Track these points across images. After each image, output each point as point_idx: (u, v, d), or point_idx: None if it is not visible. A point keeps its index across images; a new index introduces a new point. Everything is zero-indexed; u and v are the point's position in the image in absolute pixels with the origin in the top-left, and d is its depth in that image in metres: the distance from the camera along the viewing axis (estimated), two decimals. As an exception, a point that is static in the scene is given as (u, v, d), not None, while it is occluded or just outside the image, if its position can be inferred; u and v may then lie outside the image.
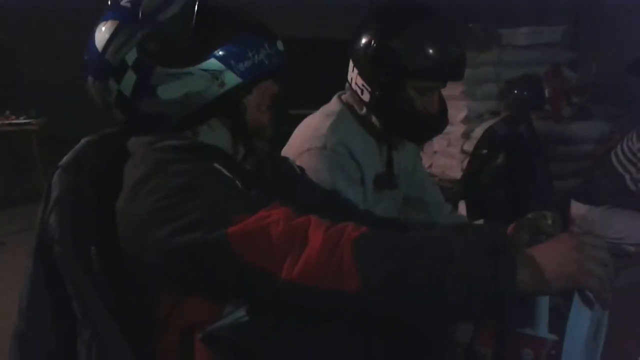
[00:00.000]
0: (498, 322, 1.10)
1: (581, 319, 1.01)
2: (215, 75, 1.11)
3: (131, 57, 1.10)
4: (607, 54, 4.73)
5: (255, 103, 1.18)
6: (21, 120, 5.11)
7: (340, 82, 1.82)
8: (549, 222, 1.14)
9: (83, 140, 1.19)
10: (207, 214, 0.98)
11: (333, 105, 1.75)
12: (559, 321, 1.06)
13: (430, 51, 1.57)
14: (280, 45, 1.18)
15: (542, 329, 1.07)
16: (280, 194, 1.21)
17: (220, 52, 1.11)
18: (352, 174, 1.63)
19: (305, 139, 1.66)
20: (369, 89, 1.63)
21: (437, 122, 1.69)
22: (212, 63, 1.11)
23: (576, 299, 1.00)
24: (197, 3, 1.13)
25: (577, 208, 3.14)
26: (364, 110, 1.69)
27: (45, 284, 1.09)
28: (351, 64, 1.68)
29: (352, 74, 1.67)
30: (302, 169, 1.40)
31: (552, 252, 0.93)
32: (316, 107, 1.81)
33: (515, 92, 3.83)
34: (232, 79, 1.12)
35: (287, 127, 1.74)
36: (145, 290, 1.09)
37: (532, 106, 3.77)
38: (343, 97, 1.75)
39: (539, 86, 3.88)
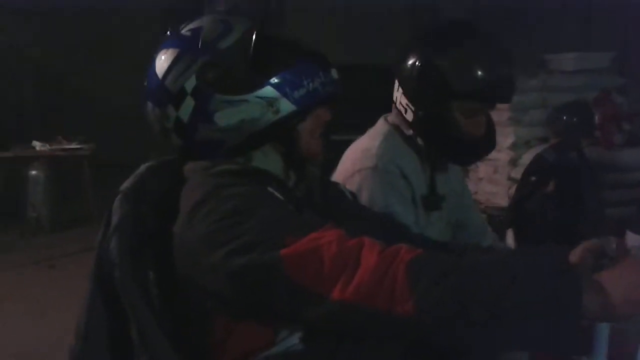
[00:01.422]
0: (556, 350, 1.07)
1: None
2: (270, 102, 1.13)
3: (190, 84, 1.13)
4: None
5: (309, 130, 1.20)
6: (73, 146, 5.25)
7: (381, 107, 1.82)
8: (613, 246, 1.10)
9: (143, 166, 1.22)
10: (260, 236, 0.99)
11: (379, 126, 1.74)
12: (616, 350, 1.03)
13: (477, 72, 1.53)
14: (334, 73, 1.19)
15: (600, 359, 1.03)
16: (331, 219, 1.20)
17: (276, 80, 1.13)
18: (404, 193, 1.62)
19: (356, 160, 1.65)
20: (413, 109, 1.61)
21: (483, 144, 1.66)
22: (267, 91, 1.13)
23: None
24: (254, 32, 1.15)
25: (632, 239, 3.04)
26: (410, 131, 1.68)
27: (103, 308, 1.11)
28: (396, 83, 1.67)
29: (397, 93, 1.66)
30: (353, 195, 1.40)
31: (619, 276, 0.90)
32: (357, 132, 1.81)
33: (565, 118, 3.77)
34: (286, 107, 1.14)
35: (329, 152, 1.74)
36: (200, 315, 1.09)
37: (582, 133, 3.70)
38: (389, 118, 1.75)
39: (588, 112, 3.81)
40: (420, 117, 1.61)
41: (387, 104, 1.76)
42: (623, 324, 1.04)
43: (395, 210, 1.55)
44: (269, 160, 1.20)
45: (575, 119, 3.79)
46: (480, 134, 1.63)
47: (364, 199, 1.43)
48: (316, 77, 1.16)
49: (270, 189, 1.10)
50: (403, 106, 1.64)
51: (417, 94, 1.60)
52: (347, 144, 1.78)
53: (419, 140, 1.68)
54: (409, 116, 1.63)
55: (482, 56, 1.55)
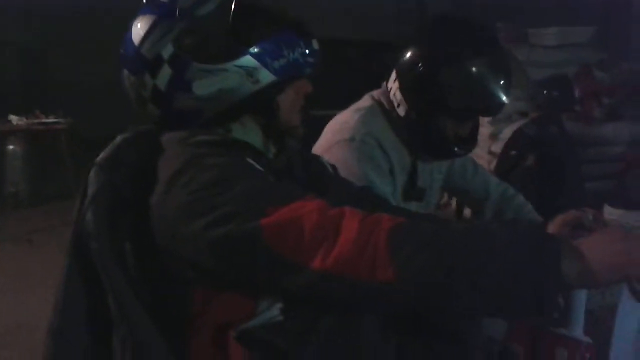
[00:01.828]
0: (534, 318, 1.06)
1: (631, 313, 0.99)
2: (249, 72, 1.11)
3: (167, 51, 1.11)
4: (638, 53, 4.66)
5: (288, 102, 1.18)
6: (50, 120, 5.17)
7: (363, 84, 1.81)
8: (590, 217, 1.11)
9: (118, 137, 1.20)
10: (240, 206, 0.98)
11: (364, 101, 1.75)
12: (593, 326, 1.04)
13: (479, 95, 1.55)
14: (315, 44, 1.17)
15: (578, 330, 1.05)
16: (311, 191, 1.20)
17: (256, 49, 1.11)
18: (382, 164, 1.63)
19: (335, 132, 1.66)
20: (406, 107, 1.63)
21: (465, 146, 1.68)
22: (246, 60, 1.11)
23: (625, 292, 0.98)
24: (232, 1, 1.12)
25: (609, 212, 3.08)
26: (394, 113, 1.68)
27: (81, 280, 1.10)
28: (394, 74, 1.66)
29: (393, 84, 1.66)
30: (334, 167, 1.39)
31: (598, 243, 0.90)
32: (337, 107, 1.80)
33: (545, 92, 3.78)
34: (266, 77, 1.12)
35: (309, 127, 1.73)
36: (179, 286, 1.09)
37: (563, 107, 3.72)
38: (375, 94, 1.75)
39: (569, 87, 3.83)
40: (412, 118, 1.62)
41: (369, 80, 1.75)
42: (600, 297, 1.05)
43: (372, 180, 1.57)
44: (247, 131, 1.18)
45: (555, 93, 3.80)
46: (465, 135, 1.65)
47: (341, 170, 1.42)
48: (297, 48, 1.14)
49: (249, 160, 1.09)
50: (397, 99, 1.65)
51: (414, 98, 1.61)
52: (328, 119, 1.78)
53: (401, 125, 1.68)
54: (401, 111, 1.64)
55: (486, 78, 1.55)
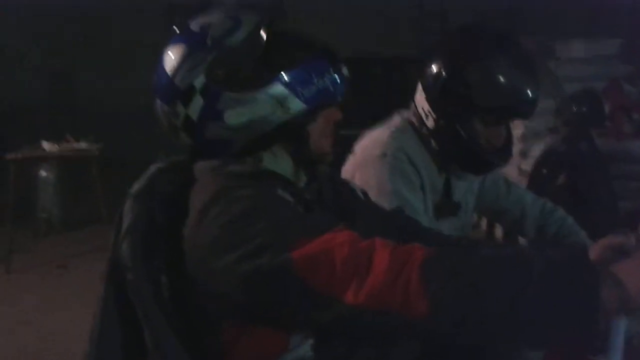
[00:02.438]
0: (574, 345, 1.05)
1: None
2: (279, 100, 1.11)
3: (199, 82, 1.11)
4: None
5: (319, 130, 1.17)
6: (81, 146, 5.26)
7: (390, 101, 1.80)
8: (632, 242, 1.08)
9: (153, 167, 1.20)
10: (271, 238, 0.97)
11: (394, 120, 1.74)
12: (631, 354, 1.02)
13: (504, 89, 1.52)
14: (345, 70, 1.17)
15: (616, 357, 1.01)
16: (342, 218, 1.17)
17: (286, 77, 1.11)
18: (413, 179, 1.61)
19: (365, 149, 1.66)
20: (434, 116, 1.61)
21: (500, 156, 1.65)
22: (277, 88, 1.11)
23: None
24: (264, 28, 1.13)
25: (645, 232, 3.01)
26: (424, 130, 1.67)
27: (116, 311, 1.10)
28: (420, 86, 1.66)
29: (419, 97, 1.66)
30: (364, 193, 1.38)
31: (636, 269, 0.88)
32: (364, 126, 1.80)
33: (574, 108, 3.74)
34: (296, 105, 1.12)
35: (337, 147, 1.73)
36: (211, 319, 1.08)
37: (592, 123, 3.67)
38: (405, 113, 1.74)
39: (598, 101, 3.78)
40: (441, 126, 1.60)
41: (394, 96, 1.75)
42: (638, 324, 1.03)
43: (404, 196, 1.55)
44: (278, 160, 1.18)
45: (585, 109, 3.76)
46: (499, 144, 1.62)
47: (373, 187, 1.42)
48: (327, 75, 1.14)
49: (279, 191, 1.08)
50: (424, 111, 1.64)
51: (441, 102, 1.59)
52: (353, 138, 1.77)
53: (434, 144, 1.67)
54: (430, 123, 1.63)
55: (510, 73, 1.53)
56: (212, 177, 1.12)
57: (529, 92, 1.53)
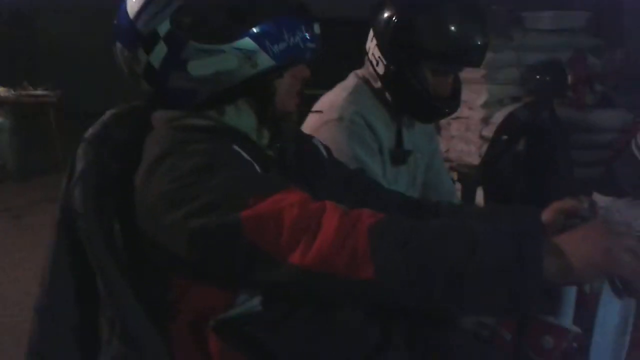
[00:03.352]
0: (517, 314, 1.07)
1: (611, 310, 1.00)
2: (248, 55, 1.07)
3: (163, 28, 1.06)
4: (632, 41, 4.65)
5: (286, 87, 1.15)
6: (39, 92, 5.11)
7: (356, 63, 1.81)
8: (585, 206, 1.11)
9: (108, 113, 1.17)
10: (221, 196, 0.96)
11: (349, 80, 1.76)
12: (585, 317, 1.04)
13: (452, 36, 1.55)
14: (317, 28, 1.14)
15: (566, 320, 1.05)
16: (305, 176, 1.19)
17: (256, 32, 1.07)
18: (371, 143, 1.64)
19: (323, 113, 1.66)
20: (385, 62, 1.63)
21: (447, 104, 1.68)
22: (246, 42, 1.07)
23: (605, 288, 0.98)
24: None
25: (599, 199, 3.09)
26: (379, 83, 1.70)
27: (68, 259, 1.09)
28: (371, 33, 1.68)
29: (371, 44, 1.68)
30: (327, 149, 1.38)
31: (580, 240, 0.90)
32: (330, 87, 1.80)
33: (538, 77, 3.77)
34: (265, 61, 1.09)
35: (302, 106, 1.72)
36: (158, 272, 1.07)
37: (555, 92, 3.71)
38: (359, 72, 1.76)
39: (562, 72, 3.82)
40: (391, 72, 1.63)
41: (361, 59, 1.76)
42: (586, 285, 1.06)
43: (362, 160, 1.58)
44: (242, 115, 1.15)
45: (548, 78, 3.79)
46: (447, 94, 1.66)
47: (332, 150, 1.41)
48: (298, 32, 1.10)
49: (236, 148, 1.06)
50: (375, 58, 1.66)
51: (391, 48, 1.62)
52: (318, 98, 1.77)
53: (387, 95, 1.69)
54: (380, 69, 1.65)
55: (458, 20, 1.56)
56: (168, 129, 1.09)
57: (477, 40, 1.57)
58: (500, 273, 0.86)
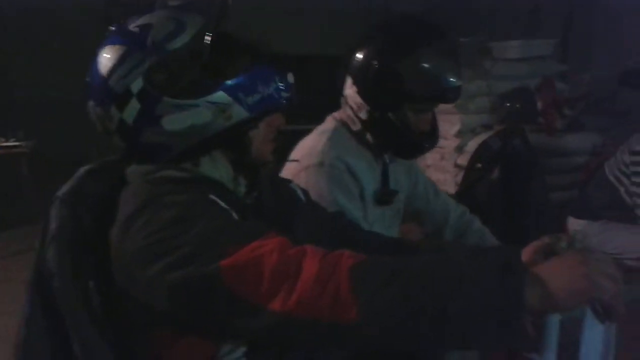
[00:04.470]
0: (504, 347, 1.07)
1: (594, 335, 1.00)
2: (222, 108, 1.07)
3: (136, 86, 1.06)
4: (599, 65, 4.77)
5: (261, 136, 1.15)
6: (10, 143, 5.05)
7: (331, 98, 1.82)
8: (563, 245, 1.11)
9: (82, 169, 1.16)
10: (199, 247, 0.95)
11: (327, 123, 1.76)
12: (562, 338, 1.04)
13: (434, 78, 1.60)
14: (290, 78, 1.14)
15: (551, 355, 1.04)
16: (282, 220, 1.18)
17: (229, 85, 1.07)
18: (352, 189, 1.64)
19: (303, 158, 1.66)
20: (368, 108, 1.65)
21: (430, 139, 1.72)
22: (219, 96, 1.07)
23: (588, 315, 0.98)
24: (208, 33, 1.09)
25: (574, 223, 3.12)
26: (359, 126, 1.71)
27: (43, 319, 1.06)
28: (349, 80, 1.69)
29: (350, 91, 1.69)
30: (305, 192, 1.37)
31: (559, 269, 0.90)
32: (307, 123, 1.82)
33: (508, 105, 3.85)
34: (239, 113, 1.08)
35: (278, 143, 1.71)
36: (139, 328, 1.05)
37: (525, 119, 3.78)
38: (336, 114, 1.77)
39: (531, 99, 3.90)
40: (375, 117, 1.65)
41: (336, 94, 1.77)
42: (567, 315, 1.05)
43: (343, 206, 1.57)
44: (217, 166, 1.14)
45: (518, 106, 3.87)
46: (427, 129, 1.70)
47: (312, 196, 1.41)
48: (271, 83, 1.11)
49: (212, 197, 1.05)
50: (356, 104, 1.67)
51: (373, 95, 1.64)
52: (297, 134, 1.77)
53: (368, 136, 1.71)
54: (363, 115, 1.67)
55: (438, 63, 1.62)
56: (143, 183, 1.08)
57: (455, 80, 1.63)
58: (485, 307, 0.86)
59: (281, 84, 1.12)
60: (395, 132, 1.64)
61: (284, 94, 1.13)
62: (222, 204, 1.05)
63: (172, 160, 1.10)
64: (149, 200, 1.02)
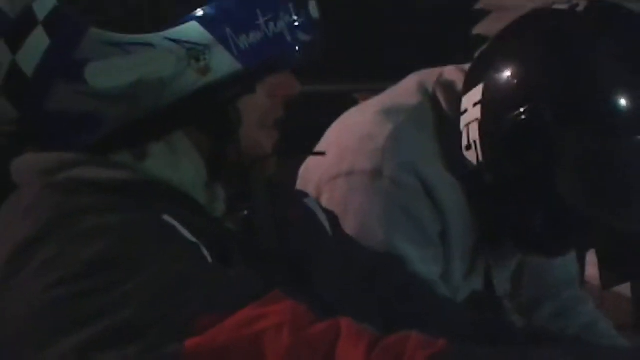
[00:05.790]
0: None
1: None
2: (193, 52, 0.76)
3: (44, 7, 0.77)
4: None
5: (257, 111, 0.81)
6: None
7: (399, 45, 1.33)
8: None
9: None
10: (146, 313, 0.68)
11: (405, 93, 1.10)
12: None
13: None
14: (314, 10, 0.81)
15: None
16: (292, 265, 0.85)
17: (206, 12, 0.77)
18: (426, 224, 1.04)
19: (345, 151, 1.05)
20: (483, 162, 1.04)
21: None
22: (189, 29, 0.76)
23: None
24: None
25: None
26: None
27: None
28: (479, 91, 1.02)
29: (468, 115, 1.05)
30: (332, 217, 0.94)
31: None
32: (351, 83, 1.39)
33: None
34: (224, 62, 0.77)
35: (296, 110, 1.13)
36: None
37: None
38: (428, 79, 1.10)
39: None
40: (499, 179, 1.03)
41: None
42: None
43: (404, 255, 1.01)
44: (178, 160, 0.81)
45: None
46: None
47: (350, 226, 0.94)
48: (282, 15, 0.78)
49: (166, 218, 0.74)
50: (469, 139, 1.05)
51: (514, 145, 1.01)
52: (324, 99, 1.29)
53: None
54: (472, 157, 1.05)
55: None
56: (44, 188, 0.77)
57: None
58: None
59: (298, 19, 0.80)
60: (533, 211, 1.02)
61: (303, 36, 0.80)
62: (186, 232, 0.75)
63: (98, 147, 0.79)
64: (54, 222, 0.74)
